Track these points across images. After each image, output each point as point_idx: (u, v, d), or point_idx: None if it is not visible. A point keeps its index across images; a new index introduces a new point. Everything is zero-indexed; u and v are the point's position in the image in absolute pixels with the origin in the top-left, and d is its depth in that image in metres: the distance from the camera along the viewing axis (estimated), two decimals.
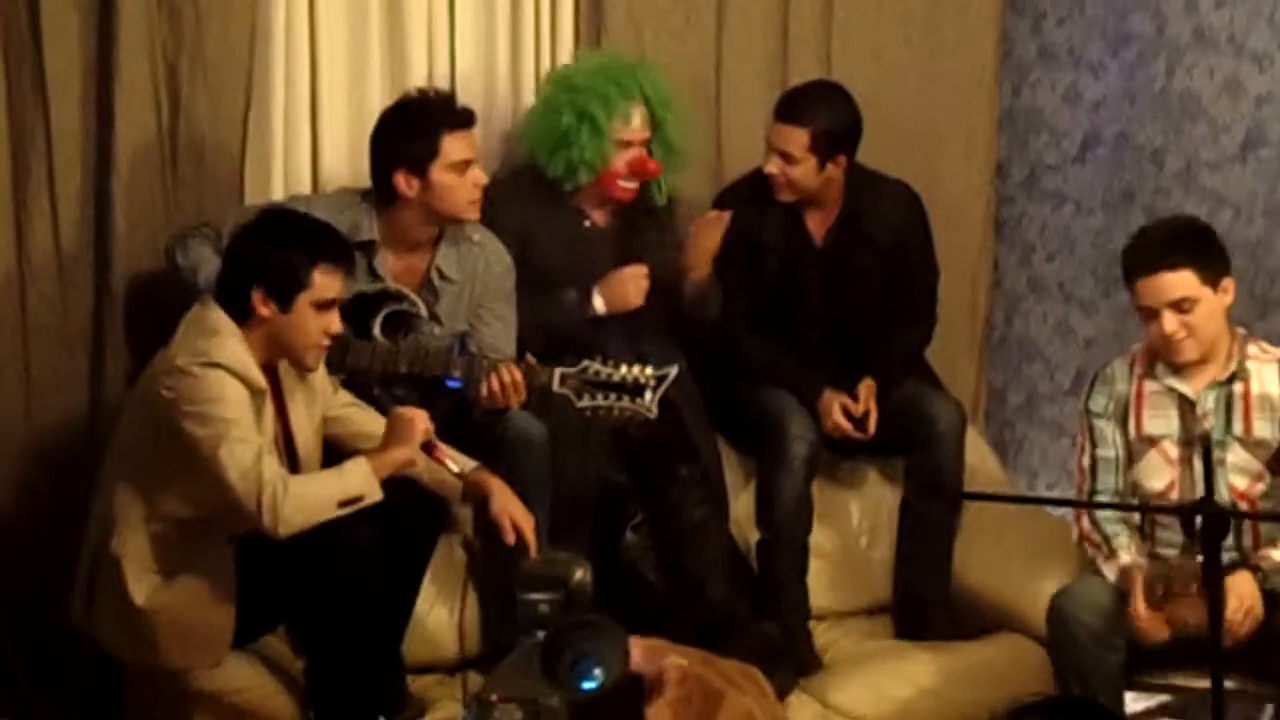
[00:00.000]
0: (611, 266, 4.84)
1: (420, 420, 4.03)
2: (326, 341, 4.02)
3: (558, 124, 4.80)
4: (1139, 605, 4.21)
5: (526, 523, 4.21)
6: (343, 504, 3.95)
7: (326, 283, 3.95)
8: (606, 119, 4.79)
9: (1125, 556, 4.35)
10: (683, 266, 4.76)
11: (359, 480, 3.95)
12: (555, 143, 4.81)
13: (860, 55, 5.44)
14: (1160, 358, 4.35)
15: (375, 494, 3.96)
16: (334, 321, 3.97)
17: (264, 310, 3.96)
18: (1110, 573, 4.35)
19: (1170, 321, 4.26)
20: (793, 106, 4.87)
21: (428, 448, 4.05)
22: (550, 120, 4.83)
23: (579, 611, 3.34)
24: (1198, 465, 4.15)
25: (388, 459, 4.00)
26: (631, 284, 4.78)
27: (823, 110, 4.87)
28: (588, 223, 4.92)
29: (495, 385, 4.28)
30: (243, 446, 3.87)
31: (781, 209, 4.95)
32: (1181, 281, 4.27)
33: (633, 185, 4.85)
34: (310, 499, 3.92)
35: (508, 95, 5.10)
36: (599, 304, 4.80)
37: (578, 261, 4.82)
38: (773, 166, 4.83)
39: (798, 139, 4.84)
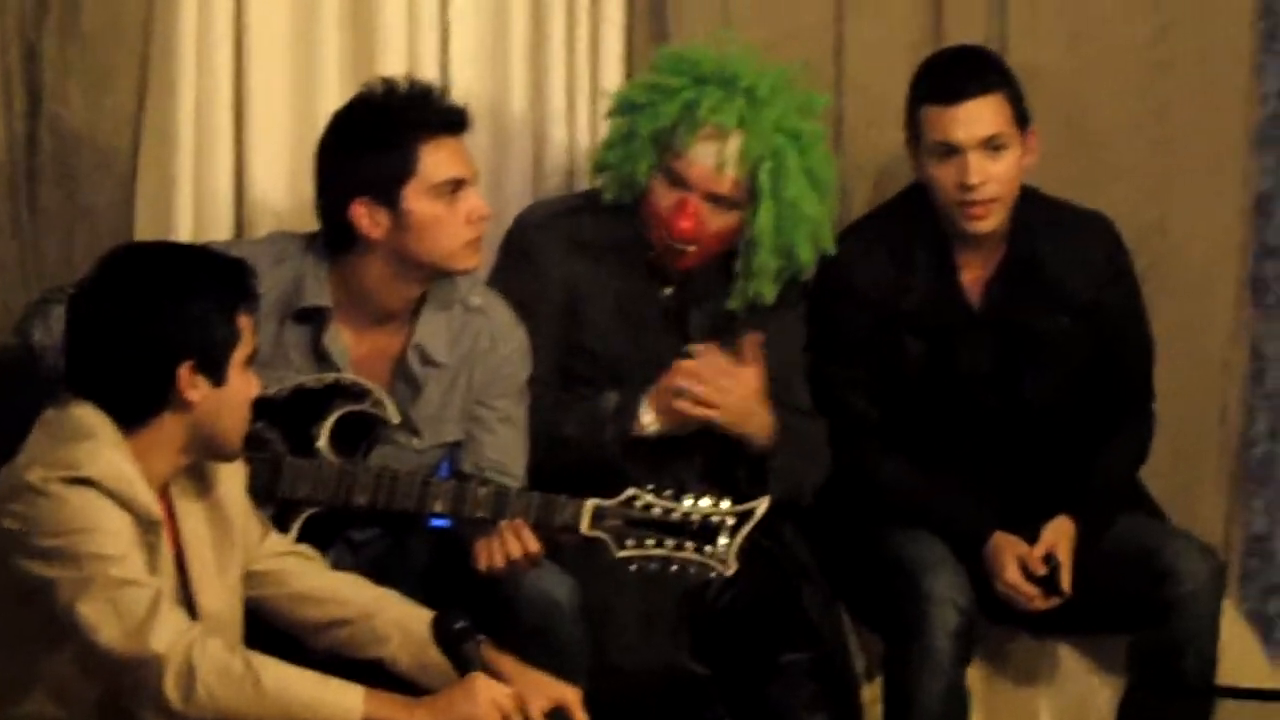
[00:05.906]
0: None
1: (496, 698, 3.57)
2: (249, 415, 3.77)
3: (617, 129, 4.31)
4: None
5: (574, 700, 3.67)
6: None
7: (249, 329, 3.63)
8: (673, 126, 4.16)
9: None
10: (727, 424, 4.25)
11: (339, 708, 3.46)
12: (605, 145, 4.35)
13: (1049, 30, 4.93)
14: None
15: None
16: (255, 383, 3.69)
17: (192, 394, 3.53)
18: None
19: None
20: (967, 73, 4.27)
21: None
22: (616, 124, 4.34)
23: None
24: None
25: (408, 712, 3.52)
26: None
27: (999, 69, 4.31)
28: (667, 291, 4.32)
29: (496, 554, 3.91)
30: (132, 592, 3.40)
31: (927, 253, 4.36)
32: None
33: (688, 245, 4.21)
34: (248, 684, 3.39)
35: (523, 108, 4.58)
36: (648, 419, 4.25)
37: (640, 347, 4.28)
38: (976, 173, 4.20)
39: (998, 110, 4.25)
